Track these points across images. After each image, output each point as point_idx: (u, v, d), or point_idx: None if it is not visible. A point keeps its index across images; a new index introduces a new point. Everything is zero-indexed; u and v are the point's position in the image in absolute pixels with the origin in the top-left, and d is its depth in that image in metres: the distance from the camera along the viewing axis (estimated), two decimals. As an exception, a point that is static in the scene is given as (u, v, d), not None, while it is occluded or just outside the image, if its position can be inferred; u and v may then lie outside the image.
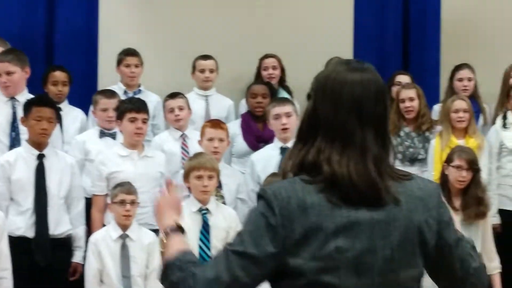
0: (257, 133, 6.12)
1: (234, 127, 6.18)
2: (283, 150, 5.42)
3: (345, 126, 2.01)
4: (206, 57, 6.55)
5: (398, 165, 5.83)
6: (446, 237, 2.07)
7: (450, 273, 2.11)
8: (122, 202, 4.91)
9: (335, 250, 1.97)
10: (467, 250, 2.11)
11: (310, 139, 2.04)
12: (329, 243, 1.97)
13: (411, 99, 5.96)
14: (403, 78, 6.38)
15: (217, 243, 4.82)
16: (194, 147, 5.60)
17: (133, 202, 4.94)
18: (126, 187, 4.97)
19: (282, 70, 6.74)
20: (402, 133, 5.95)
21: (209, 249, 4.81)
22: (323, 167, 1.99)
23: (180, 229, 2.21)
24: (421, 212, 2.04)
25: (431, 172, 5.72)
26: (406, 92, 6.00)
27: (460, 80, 6.35)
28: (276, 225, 1.98)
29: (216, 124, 5.58)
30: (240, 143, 6.15)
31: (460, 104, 5.78)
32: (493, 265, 5.05)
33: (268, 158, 5.45)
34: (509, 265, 5.81)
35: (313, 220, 1.97)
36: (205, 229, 4.86)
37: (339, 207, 1.98)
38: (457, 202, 5.05)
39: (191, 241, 4.73)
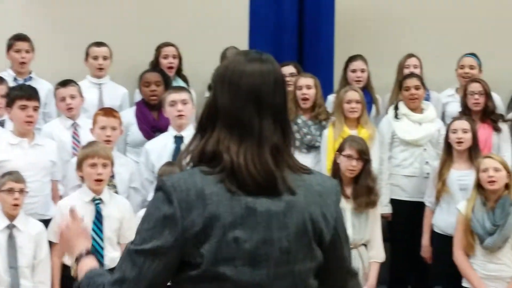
0: (152, 122, 6.06)
1: (129, 116, 6.10)
2: (177, 139, 5.39)
3: (243, 117, 2.01)
4: (99, 44, 6.44)
5: (295, 152, 5.92)
6: (340, 233, 2.11)
7: (339, 269, 2.16)
8: (10, 191, 4.79)
9: (233, 240, 1.97)
10: (349, 247, 2.18)
11: (210, 129, 2.04)
12: (228, 234, 1.97)
13: (308, 87, 6.01)
14: (287, 70, 6.43)
15: (110, 233, 4.77)
16: (86, 136, 5.50)
17: (21, 191, 4.82)
18: (15, 175, 4.85)
19: (180, 59, 6.70)
20: (299, 121, 6.00)
21: (101, 239, 4.74)
22: (223, 156, 1.99)
23: (89, 252, 2.23)
24: (319, 206, 2.06)
25: (324, 160, 5.79)
26: (304, 80, 6.05)
27: (354, 71, 6.43)
28: (175, 217, 1.97)
29: (109, 112, 5.51)
30: (135, 132, 6.07)
31: (353, 94, 5.86)
32: (374, 253, 5.16)
33: (163, 147, 5.42)
34: (397, 253, 5.98)
35: (211, 211, 1.96)
36: (98, 219, 4.79)
37: (238, 196, 1.98)
38: (349, 191, 5.13)
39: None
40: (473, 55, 6.59)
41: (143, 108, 6.18)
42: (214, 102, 2.05)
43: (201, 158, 2.03)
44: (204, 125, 2.06)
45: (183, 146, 2.23)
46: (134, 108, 6.26)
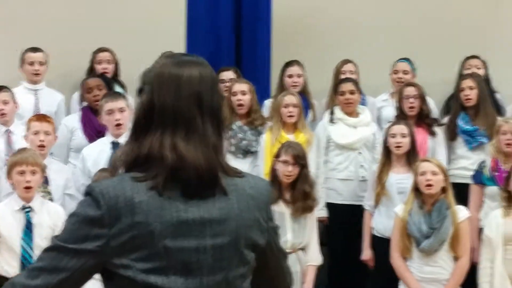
0: (97, 127, 5.99)
1: (74, 120, 6.07)
2: (114, 145, 5.34)
3: (189, 115, 2.00)
4: (35, 49, 6.35)
5: (231, 158, 5.96)
6: (273, 229, 2.11)
7: (276, 262, 2.16)
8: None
9: (164, 250, 1.94)
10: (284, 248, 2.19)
11: (144, 132, 2.01)
12: (158, 244, 1.94)
13: (243, 93, 6.02)
14: (227, 75, 6.43)
15: (40, 242, 4.66)
16: (20, 143, 5.41)
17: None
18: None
19: (116, 64, 6.64)
20: (235, 126, 6.00)
21: (31, 248, 4.65)
22: (162, 158, 1.96)
23: None
24: (252, 210, 2.05)
25: (262, 165, 5.80)
26: (239, 86, 6.06)
27: (290, 76, 6.45)
28: (102, 223, 1.94)
29: (42, 117, 5.46)
30: (79, 137, 6.01)
31: (290, 99, 5.89)
32: (310, 257, 5.20)
33: (99, 152, 5.35)
34: (335, 256, 6.02)
35: (140, 220, 1.93)
36: (28, 228, 4.70)
37: (169, 205, 1.95)
38: (287, 195, 5.15)
39: (14, 240, 4.61)
40: (407, 60, 6.67)
41: (88, 113, 6.12)
42: (150, 103, 2.02)
43: (135, 163, 2.00)
44: (140, 130, 2.02)
45: (119, 152, 2.20)
46: (79, 113, 6.18)
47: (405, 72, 6.58)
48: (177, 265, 1.95)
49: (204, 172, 1.97)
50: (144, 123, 2.02)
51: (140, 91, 2.06)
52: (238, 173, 2.07)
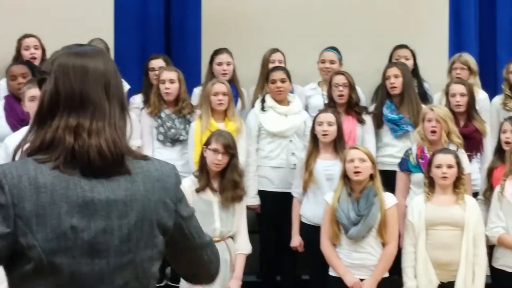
0: (21, 115, 5.87)
1: (-3, 109, 5.95)
2: (39, 133, 5.24)
3: (96, 99, 2.01)
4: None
5: (160, 146, 5.92)
6: (182, 213, 2.11)
7: (188, 247, 2.15)
8: None
9: (70, 229, 1.94)
10: (199, 224, 2.17)
11: (51, 120, 2.00)
12: (63, 223, 1.93)
13: (172, 81, 5.99)
14: (157, 63, 6.38)
15: None
16: None
17: None
18: None
19: (43, 50, 6.53)
20: (163, 115, 5.97)
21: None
22: (66, 139, 1.96)
23: None
24: (158, 192, 2.05)
25: (191, 153, 5.78)
26: (167, 74, 6.02)
27: (220, 64, 6.42)
28: (6, 204, 1.92)
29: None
30: (2, 126, 5.89)
31: (220, 87, 5.88)
32: (240, 245, 5.22)
33: (22, 141, 5.25)
34: (266, 244, 6.04)
35: (46, 200, 1.93)
36: None
37: (75, 185, 1.95)
38: (216, 184, 5.15)
39: None
40: (334, 49, 6.69)
41: (11, 101, 6.00)
42: (55, 92, 2.02)
43: (39, 148, 1.99)
44: (44, 117, 2.02)
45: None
46: (2, 101, 6.06)
47: (331, 62, 6.61)
48: (83, 246, 1.95)
49: (108, 153, 1.98)
50: (49, 111, 2.02)
51: (42, 81, 2.06)
52: (143, 156, 2.09)
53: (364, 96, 6.63)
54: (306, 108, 6.51)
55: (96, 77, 2.03)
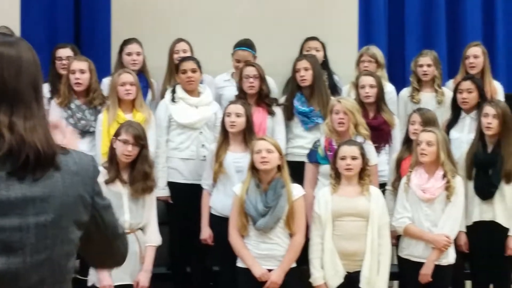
0: None
1: None
2: None
3: (27, 98, 1.98)
4: None
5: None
6: (99, 206, 2.09)
7: (102, 239, 2.14)
8: None
9: None
10: (115, 216, 2.17)
11: None
12: None
13: (82, 71, 5.90)
14: (64, 52, 6.28)
15: None
16: None
17: None
18: None
19: None
20: (73, 106, 5.88)
21: None
22: (4, 136, 1.92)
23: None
24: (77, 187, 2.03)
25: (99, 145, 5.71)
26: (78, 64, 5.93)
27: (129, 54, 6.34)
28: None
29: None
30: None
31: (126, 77, 5.80)
32: (149, 237, 5.20)
33: None
34: (175, 235, 6.02)
35: None
36: None
37: None
38: (126, 176, 5.10)
39: None
40: (248, 46, 6.58)
41: None
42: None
43: None
44: None
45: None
46: None
47: (246, 62, 6.53)
48: None
49: (42, 153, 1.95)
50: None
51: None
52: (63, 150, 2.05)
53: (277, 87, 6.65)
54: (219, 99, 6.49)
55: (28, 74, 2.00)
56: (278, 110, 6.19)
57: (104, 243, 2.16)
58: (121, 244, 2.21)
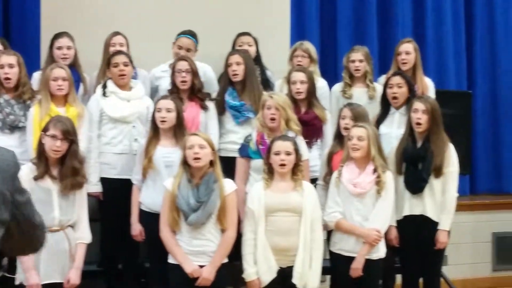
0: None
1: None
2: None
3: None
4: None
5: (-2, 133, 5.70)
6: (19, 202, 2.08)
7: (23, 232, 2.14)
8: None
9: None
10: (34, 208, 2.17)
11: None
12: None
13: (11, 66, 5.80)
14: None
15: None
16: None
17: None
18: None
19: None
20: (1, 100, 5.78)
21: None
22: None
23: None
24: None
25: (31, 140, 5.62)
26: (5, 58, 5.82)
27: (60, 48, 6.24)
28: None
29: None
30: None
31: (59, 72, 5.73)
32: (80, 234, 5.12)
33: None
34: (107, 232, 5.97)
35: None
36: None
37: None
38: (55, 172, 5.03)
39: None
40: (190, 34, 6.64)
41: None
42: None
43: None
44: None
45: None
46: None
47: (188, 50, 6.49)
48: None
49: None
50: None
51: None
52: None
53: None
54: (156, 90, 6.46)
55: None
56: (211, 105, 6.18)
57: (25, 236, 2.15)
58: (40, 233, 2.22)
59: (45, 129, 5.07)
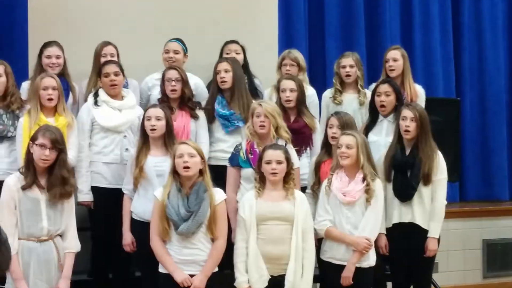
0: None
1: None
2: None
3: None
4: None
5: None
6: None
7: None
8: None
9: None
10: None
11: None
12: None
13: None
14: None
15: None
16: None
17: None
18: None
19: None
20: (-10, 110, 5.77)
21: None
22: None
23: None
24: None
25: (20, 150, 5.60)
26: None
27: (49, 57, 6.24)
28: None
29: None
30: None
31: (49, 81, 5.73)
32: (68, 244, 5.08)
33: None
34: (98, 241, 5.95)
35: None
36: None
37: None
38: (43, 181, 5.00)
39: None
40: (179, 40, 6.67)
41: None
42: None
43: None
44: None
45: None
46: None
47: (176, 52, 6.59)
48: None
49: None
50: None
51: None
52: None
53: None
54: (149, 98, 6.47)
55: None
56: (201, 114, 6.19)
57: None
58: (5, 250, 2.21)
59: (33, 138, 5.05)
